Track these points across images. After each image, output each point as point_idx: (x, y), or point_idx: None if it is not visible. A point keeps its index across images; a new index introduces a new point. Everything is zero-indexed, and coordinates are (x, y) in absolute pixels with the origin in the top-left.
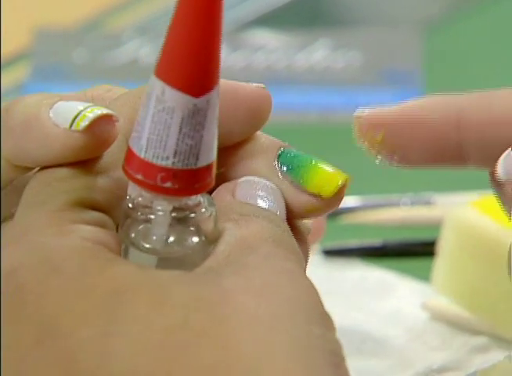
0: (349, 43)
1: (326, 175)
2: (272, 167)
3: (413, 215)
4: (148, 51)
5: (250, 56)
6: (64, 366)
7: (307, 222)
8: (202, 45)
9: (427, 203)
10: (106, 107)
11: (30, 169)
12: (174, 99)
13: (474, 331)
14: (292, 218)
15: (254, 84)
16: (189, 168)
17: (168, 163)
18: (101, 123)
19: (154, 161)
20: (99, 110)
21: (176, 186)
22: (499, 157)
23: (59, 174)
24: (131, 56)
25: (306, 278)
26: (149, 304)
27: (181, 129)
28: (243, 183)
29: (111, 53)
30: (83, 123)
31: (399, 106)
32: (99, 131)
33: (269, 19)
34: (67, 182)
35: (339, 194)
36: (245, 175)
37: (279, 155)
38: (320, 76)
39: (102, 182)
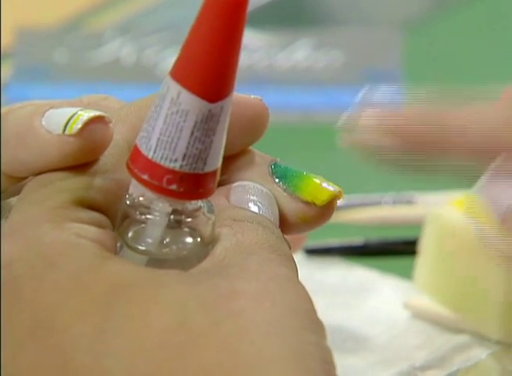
0: (330, 43)
1: (318, 184)
2: (265, 175)
3: (395, 214)
4: (129, 50)
5: None
6: (59, 362)
7: (288, 238)
8: (223, 52)
9: (409, 202)
10: (102, 111)
11: (23, 179)
12: (190, 103)
13: (456, 330)
14: (285, 228)
15: (253, 96)
16: (196, 172)
17: (176, 165)
18: (94, 124)
19: (162, 163)
20: (91, 113)
21: (181, 190)
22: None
23: (59, 174)
24: (113, 55)
25: (300, 285)
26: (147, 302)
27: (193, 133)
28: (236, 188)
29: (93, 53)
30: (76, 126)
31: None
32: (93, 133)
33: (251, 19)
34: (68, 181)
35: (332, 203)
36: (239, 180)
37: (272, 166)
38: (302, 75)
39: (101, 182)
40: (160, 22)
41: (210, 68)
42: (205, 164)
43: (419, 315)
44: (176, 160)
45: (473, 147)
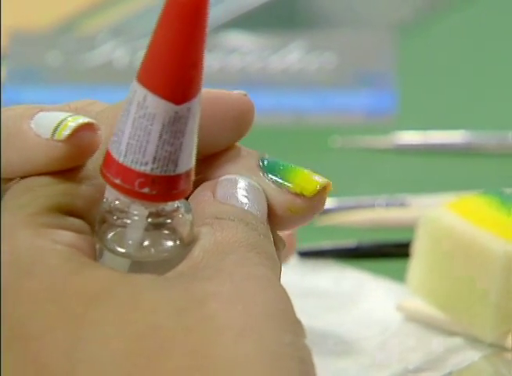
0: (323, 45)
1: (307, 175)
2: (253, 168)
3: (388, 217)
4: (122, 53)
5: (225, 57)
6: (35, 369)
7: (282, 238)
8: (186, 53)
9: (402, 204)
10: (88, 116)
11: (11, 180)
12: (156, 106)
13: (449, 332)
14: (275, 221)
15: (236, 92)
16: (168, 174)
17: (147, 169)
18: (82, 131)
19: (133, 167)
20: (81, 119)
21: (154, 192)
22: None
23: (41, 180)
24: (106, 58)
25: (278, 284)
26: (120, 309)
27: (161, 136)
28: (224, 181)
29: (85, 55)
30: (65, 132)
31: None
32: (81, 140)
33: (244, 21)
34: (48, 188)
35: (322, 194)
36: (227, 173)
37: (260, 161)
38: (294, 78)
39: (83, 189)
40: (153, 25)
41: (173, 70)
42: (176, 165)
43: (411, 317)
44: (147, 164)
45: None
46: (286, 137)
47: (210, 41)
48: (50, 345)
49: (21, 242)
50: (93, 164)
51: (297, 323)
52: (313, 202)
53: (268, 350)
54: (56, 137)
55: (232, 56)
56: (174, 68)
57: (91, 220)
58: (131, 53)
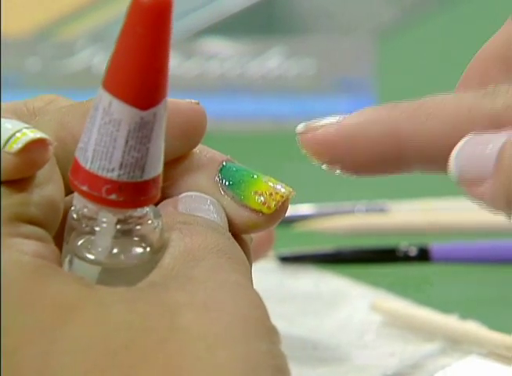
0: (303, 51)
1: (268, 187)
2: (213, 182)
3: (367, 223)
4: (101, 59)
5: (204, 64)
6: None
7: (254, 236)
8: (149, 58)
9: (381, 210)
10: (40, 130)
11: None
12: (121, 112)
13: (428, 335)
14: (235, 234)
15: (187, 100)
16: (135, 180)
17: (114, 175)
18: (34, 147)
19: (100, 173)
20: (33, 134)
21: (121, 199)
22: (439, 161)
23: None
24: (85, 64)
25: (252, 290)
26: (92, 323)
27: (127, 142)
28: (184, 198)
29: (64, 61)
30: (16, 145)
31: (339, 122)
32: (31, 155)
33: (223, 28)
34: (3, 199)
35: (281, 209)
36: (186, 190)
37: (221, 169)
38: (274, 84)
39: (36, 197)
40: None
41: (137, 76)
42: (143, 171)
43: (388, 318)
44: (113, 170)
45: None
46: (266, 143)
47: (189, 47)
48: (23, 361)
49: None
50: (42, 171)
51: (272, 330)
52: (272, 216)
53: (242, 359)
54: (7, 149)
55: (211, 62)
56: (138, 73)
57: (49, 228)
58: None
